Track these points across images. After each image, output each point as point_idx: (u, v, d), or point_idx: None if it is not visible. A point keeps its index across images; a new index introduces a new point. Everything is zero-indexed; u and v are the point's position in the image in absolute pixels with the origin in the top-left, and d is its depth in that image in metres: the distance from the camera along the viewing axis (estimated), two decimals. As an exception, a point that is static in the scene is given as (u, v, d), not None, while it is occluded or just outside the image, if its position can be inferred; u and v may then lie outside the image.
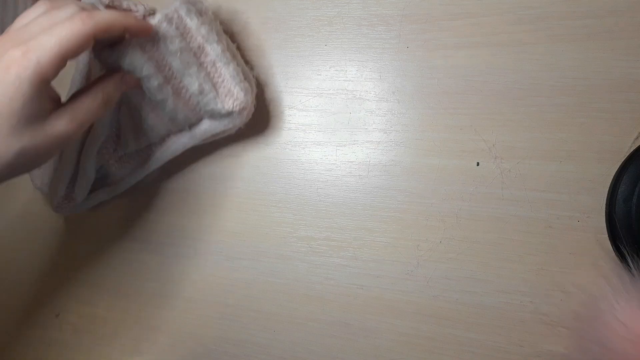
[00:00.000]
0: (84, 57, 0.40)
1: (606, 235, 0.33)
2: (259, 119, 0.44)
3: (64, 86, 0.39)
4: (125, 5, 0.35)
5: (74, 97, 0.30)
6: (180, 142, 0.41)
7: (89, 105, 0.30)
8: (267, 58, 0.44)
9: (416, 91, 0.39)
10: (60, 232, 0.52)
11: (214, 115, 0.39)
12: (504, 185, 0.36)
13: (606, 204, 0.33)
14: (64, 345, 0.50)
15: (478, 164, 0.37)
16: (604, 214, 0.34)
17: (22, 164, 0.27)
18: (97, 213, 0.50)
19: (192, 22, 0.36)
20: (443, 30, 0.39)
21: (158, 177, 0.46)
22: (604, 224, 0.33)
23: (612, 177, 0.34)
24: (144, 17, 0.34)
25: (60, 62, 0.27)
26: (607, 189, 0.34)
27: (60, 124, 0.28)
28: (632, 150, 0.33)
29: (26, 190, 0.55)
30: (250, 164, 0.44)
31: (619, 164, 0.33)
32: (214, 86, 0.38)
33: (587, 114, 0.35)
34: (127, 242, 0.49)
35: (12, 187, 0.55)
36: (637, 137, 0.34)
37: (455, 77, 0.38)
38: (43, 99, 0.27)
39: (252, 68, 0.43)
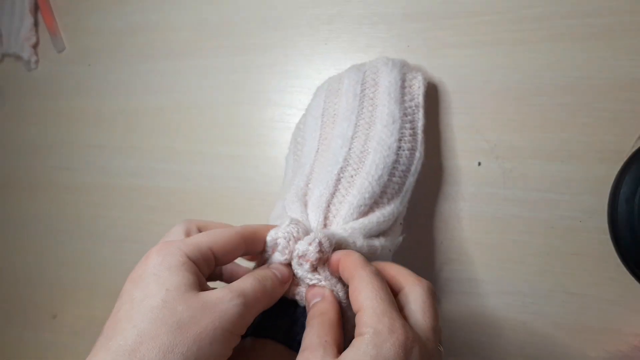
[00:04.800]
0: None
1: (608, 236, 0.33)
2: (260, 118, 0.44)
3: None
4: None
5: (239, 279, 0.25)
6: None
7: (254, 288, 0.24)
8: (266, 57, 0.44)
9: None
10: (58, 233, 0.52)
11: None
12: (506, 185, 0.36)
13: (608, 204, 0.33)
14: (61, 348, 0.50)
15: (479, 164, 0.37)
16: (606, 215, 0.33)
17: None
18: (96, 213, 0.50)
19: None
20: (444, 29, 0.38)
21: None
22: (606, 225, 0.33)
23: (614, 177, 0.33)
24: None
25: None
26: (609, 189, 0.33)
27: (230, 299, 0.23)
28: (634, 150, 0.33)
29: (23, 191, 0.54)
30: (250, 164, 0.44)
31: (621, 163, 0.33)
32: None
33: (589, 114, 0.35)
34: (125, 243, 0.48)
35: (10, 188, 0.55)
36: (639, 137, 0.33)
37: (456, 76, 0.38)
38: (192, 274, 0.23)
39: None
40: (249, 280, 0.24)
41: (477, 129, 0.37)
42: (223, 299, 0.22)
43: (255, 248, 0.27)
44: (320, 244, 0.26)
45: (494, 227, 0.36)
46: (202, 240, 0.24)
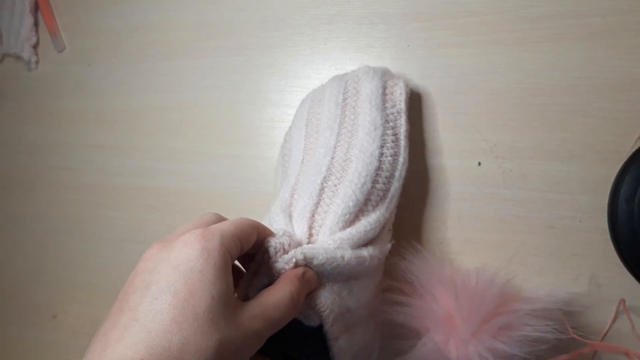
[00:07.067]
0: None
1: (608, 236, 0.33)
2: (260, 118, 0.44)
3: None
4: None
5: (261, 293, 0.25)
6: None
7: (279, 304, 0.25)
8: (266, 57, 0.44)
9: (417, 90, 0.39)
10: (58, 233, 0.52)
11: None
12: (506, 185, 0.36)
13: (608, 204, 0.33)
14: (61, 348, 0.50)
15: (479, 164, 0.37)
16: (606, 214, 0.33)
17: None
18: (96, 213, 0.50)
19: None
20: (444, 28, 0.38)
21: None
22: (606, 225, 0.33)
23: (614, 177, 0.33)
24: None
25: (237, 240, 0.24)
26: (609, 189, 0.33)
27: (254, 322, 0.23)
28: (634, 150, 0.33)
29: (24, 191, 0.54)
30: (250, 164, 0.44)
31: (621, 163, 0.33)
32: None
33: (589, 114, 0.35)
34: (125, 243, 0.48)
35: (10, 188, 0.55)
36: (639, 137, 0.34)
37: (457, 76, 0.38)
38: (230, 279, 0.23)
39: None
40: (274, 301, 0.24)
41: (477, 129, 0.37)
42: (254, 323, 0.23)
43: (253, 246, 0.26)
44: (296, 264, 0.26)
45: (493, 227, 0.36)
46: (235, 232, 0.24)
